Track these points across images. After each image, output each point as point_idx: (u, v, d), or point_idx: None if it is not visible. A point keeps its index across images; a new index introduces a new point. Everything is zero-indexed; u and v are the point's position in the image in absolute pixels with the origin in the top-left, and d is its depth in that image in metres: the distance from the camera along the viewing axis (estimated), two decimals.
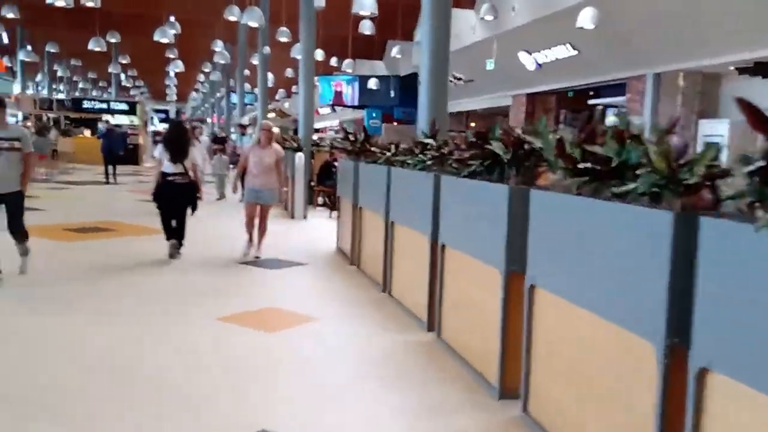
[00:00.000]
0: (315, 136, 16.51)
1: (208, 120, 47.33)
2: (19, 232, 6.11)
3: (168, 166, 7.30)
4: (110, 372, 3.91)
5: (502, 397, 3.60)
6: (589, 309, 2.76)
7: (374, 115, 24.19)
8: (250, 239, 7.64)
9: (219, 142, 16.59)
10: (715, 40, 9.86)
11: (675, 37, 10.44)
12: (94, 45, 17.76)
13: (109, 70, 28.48)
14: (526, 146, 3.61)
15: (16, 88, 30.09)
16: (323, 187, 12.87)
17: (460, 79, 17.61)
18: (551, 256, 3.13)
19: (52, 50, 23.51)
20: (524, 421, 3.34)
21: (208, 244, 8.32)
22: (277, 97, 34.77)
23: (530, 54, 14.44)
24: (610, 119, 13.98)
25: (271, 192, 7.55)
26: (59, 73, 32.40)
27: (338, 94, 24.78)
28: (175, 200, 7.35)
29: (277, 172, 7.60)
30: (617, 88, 13.25)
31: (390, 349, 4.56)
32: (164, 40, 17.23)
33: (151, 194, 7.45)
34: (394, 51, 17.91)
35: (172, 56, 22.37)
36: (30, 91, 35.87)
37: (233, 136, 22.20)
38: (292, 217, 11.78)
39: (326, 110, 31.37)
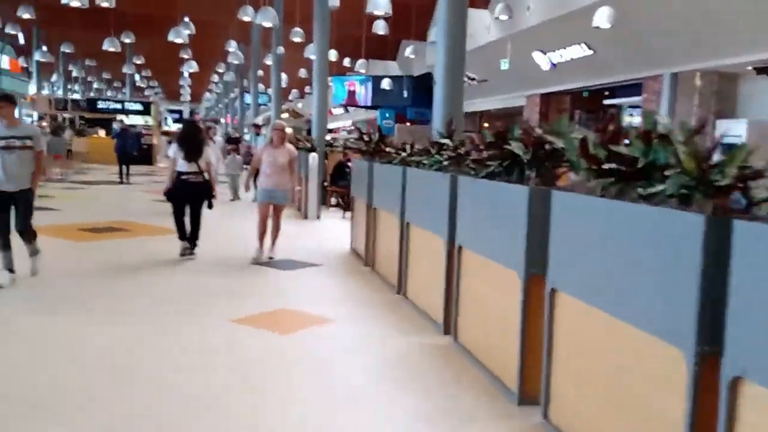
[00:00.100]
0: (328, 137, 16.48)
1: (222, 120, 47.51)
2: (27, 232, 5.97)
3: (182, 165, 7.31)
4: (124, 372, 3.88)
5: (521, 402, 3.52)
6: (614, 314, 2.69)
7: (387, 115, 24.13)
8: (261, 245, 7.47)
9: (233, 142, 16.64)
10: (732, 40, 9.73)
11: (692, 36, 10.31)
12: (109, 45, 17.86)
13: (124, 70, 28.66)
14: (546, 146, 3.53)
15: (32, 89, 30.36)
16: (336, 188, 12.84)
17: (473, 79, 17.51)
18: (574, 259, 3.05)
19: (67, 50, 23.70)
20: (545, 428, 3.27)
21: (221, 245, 8.30)
22: (290, 98, 34.84)
23: (545, 54, 14.33)
24: (630, 119, 13.85)
25: (284, 192, 7.50)
26: (74, 74, 32.66)
27: (351, 94, 24.75)
28: (189, 199, 7.37)
29: (291, 172, 7.54)
30: (633, 88, 13.12)
31: (405, 352, 4.50)
32: (178, 41, 17.29)
33: (164, 192, 7.47)
34: (408, 51, 17.87)
35: (186, 56, 22.44)
36: (45, 92, 36.23)
37: (246, 137, 22.28)
38: (306, 217, 11.75)
39: (339, 110, 31.37)
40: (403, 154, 6.44)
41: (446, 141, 5.37)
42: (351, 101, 25.28)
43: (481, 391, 3.77)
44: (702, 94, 11.44)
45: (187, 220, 7.43)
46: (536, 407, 3.40)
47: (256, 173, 7.87)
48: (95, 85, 40.54)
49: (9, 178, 5.71)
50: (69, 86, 38.42)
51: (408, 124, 22.68)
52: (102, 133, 26.50)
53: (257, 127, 17.34)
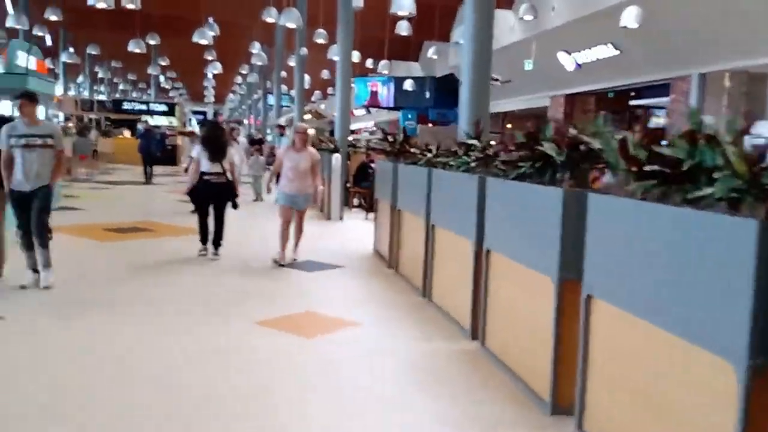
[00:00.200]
0: (350, 138, 16.43)
1: (245, 122, 47.77)
2: (41, 233, 5.66)
3: (206, 165, 7.31)
4: (149, 374, 3.85)
5: (554, 412, 3.41)
6: (655, 323, 2.57)
7: (409, 116, 24.05)
8: (283, 251, 7.28)
9: (256, 143, 16.69)
10: (762, 39, 9.48)
11: (721, 36, 10.08)
12: (134, 47, 17.99)
13: (149, 71, 28.95)
14: (582, 147, 3.42)
15: (59, 90, 30.74)
16: (359, 189, 12.77)
17: (497, 79, 17.35)
18: (612, 265, 2.94)
19: (93, 52, 23.90)
20: None
21: (244, 245, 8.28)
22: (313, 99, 34.89)
23: (570, 54, 14.15)
24: (656, 120, 13.60)
25: (306, 197, 7.39)
26: (100, 75, 33.01)
27: (374, 95, 24.73)
28: (213, 199, 7.37)
29: (314, 176, 7.44)
30: (660, 88, 12.89)
31: (432, 356, 4.41)
32: (203, 42, 17.34)
33: (187, 191, 7.48)
34: (431, 52, 17.73)
35: (210, 58, 22.54)
36: (71, 93, 36.71)
37: (269, 137, 22.31)
38: (328, 218, 11.70)
39: (361, 111, 31.35)
40: (429, 155, 6.34)
41: (474, 142, 5.27)
42: (373, 102, 25.25)
43: (511, 399, 3.66)
44: (731, 95, 11.18)
45: (210, 220, 7.43)
46: (570, 417, 3.28)
47: (277, 175, 7.81)
48: (120, 87, 40.96)
49: (28, 177, 5.62)
50: (95, 87, 38.89)
51: (430, 125, 22.58)
52: (127, 133, 26.78)
53: (281, 127, 17.34)
